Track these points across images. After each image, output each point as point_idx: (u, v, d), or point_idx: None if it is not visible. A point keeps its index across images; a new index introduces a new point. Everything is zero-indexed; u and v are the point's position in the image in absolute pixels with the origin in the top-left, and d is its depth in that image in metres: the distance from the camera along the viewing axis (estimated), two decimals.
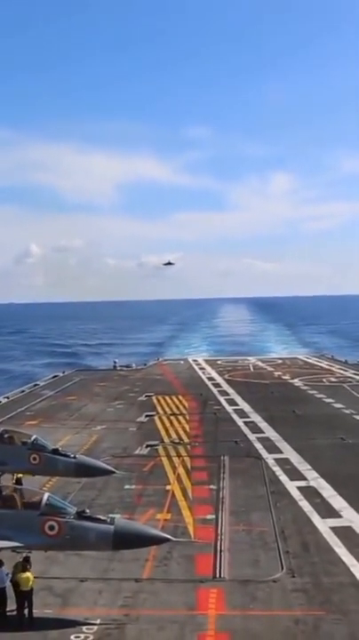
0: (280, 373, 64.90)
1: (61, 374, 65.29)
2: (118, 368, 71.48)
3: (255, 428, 37.91)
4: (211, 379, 61.51)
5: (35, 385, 57.39)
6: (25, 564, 15.90)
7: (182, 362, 79.99)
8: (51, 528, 16.00)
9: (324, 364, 72.98)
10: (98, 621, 15.49)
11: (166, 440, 35.32)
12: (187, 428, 38.66)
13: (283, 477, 27.90)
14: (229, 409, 44.76)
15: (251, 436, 35.82)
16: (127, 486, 26.81)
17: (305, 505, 24.22)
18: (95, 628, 15.24)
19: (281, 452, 32.11)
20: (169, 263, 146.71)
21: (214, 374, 64.69)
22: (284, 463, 30.06)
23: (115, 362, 74.37)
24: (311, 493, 25.59)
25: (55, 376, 63.90)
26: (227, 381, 59.02)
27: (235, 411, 43.91)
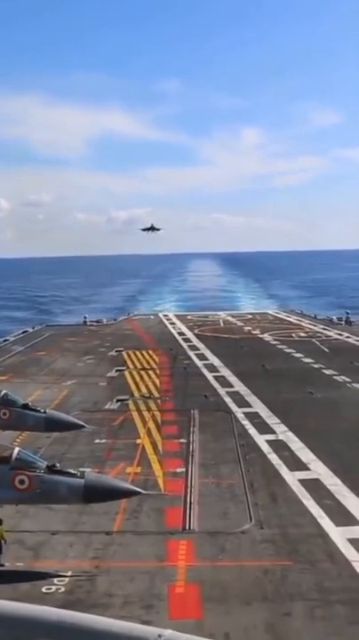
0: (250, 328, 65.06)
1: (31, 330, 64.86)
2: (88, 323, 71.14)
3: (225, 383, 38.13)
4: (181, 333, 61.58)
5: (5, 340, 56.94)
6: None
7: (152, 317, 79.87)
8: (22, 482, 16.01)
9: (294, 319, 73.28)
10: (69, 573, 15.66)
11: (136, 394, 35.44)
12: (157, 382, 38.79)
13: (253, 431, 28.16)
14: (199, 363, 44.93)
15: (221, 391, 36.03)
16: (97, 440, 26.93)
17: (273, 458, 24.50)
18: (66, 579, 15.41)
19: (250, 406, 32.35)
20: (152, 228, 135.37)
21: (184, 329, 64.75)
22: (254, 417, 30.32)
23: (85, 317, 73.95)
24: (280, 447, 25.88)
25: (25, 331, 63.45)
26: (197, 336, 59.12)
27: (205, 365, 44.09)
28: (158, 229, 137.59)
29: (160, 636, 2.72)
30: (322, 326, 65.65)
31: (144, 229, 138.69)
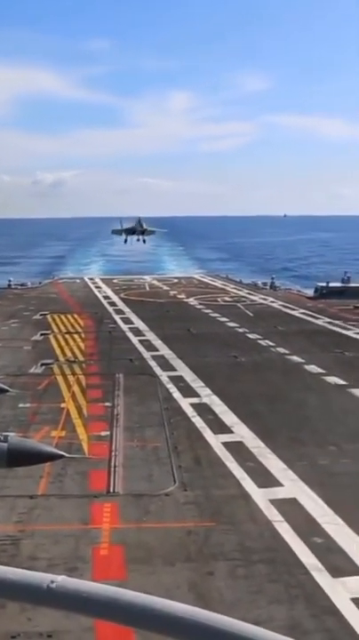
0: (175, 292, 65.24)
1: None
2: (13, 286, 70.20)
3: (150, 347, 38.21)
4: (106, 297, 61.35)
5: None
6: None
7: (78, 280, 79.30)
8: None
9: (219, 284, 73.77)
10: None
11: (61, 358, 35.20)
12: (82, 346, 38.60)
13: (177, 394, 28.34)
14: (124, 327, 44.88)
15: (146, 354, 36.09)
16: (21, 405, 26.67)
17: (197, 421, 24.72)
18: None
19: (175, 370, 32.52)
20: (139, 231, 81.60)
21: (110, 293, 64.54)
22: (178, 380, 30.50)
23: (9, 280, 72.89)
24: (204, 410, 26.11)
25: None
26: (123, 300, 59.00)
27: (131, 329, 44.08)
28: (151, 232, 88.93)
29: (52, 581, 2.73)
30: (247, 291, 66.27)
31: (119, 231, 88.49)
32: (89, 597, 2.64)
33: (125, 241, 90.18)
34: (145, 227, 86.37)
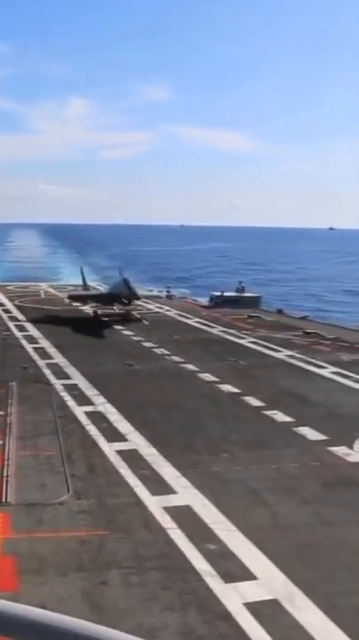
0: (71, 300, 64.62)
1: None
2: None
3: (44, 354, 37.79)
4: (0, 304, 60.28)
5: None
6: None
7: None
8: None
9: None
10: None
11: None
12: None
13: (71, 403, 28.11)
14: (19, 334, 44.24)
15: (41, 362, 35.68)
16: None
17: (92, 429, 24.59)
18: None
19: (69, 378, 32.26)
20: (127, 293, 50.27)
21: (4, 300, 63.43)
22: (73, 389, 30.26)
23: None
24: (98, 418, 25.99)
25: None
26: (18, 307, 58.11)
27: (25, 337, 43.47)
28: (138, 297, 52.66)
29: None
30: (143, 299, 66.32)
31: (83, 298, 58.03)
32: None
33: (95, 313, 54.59)
34: (134, 290, 51.44)
